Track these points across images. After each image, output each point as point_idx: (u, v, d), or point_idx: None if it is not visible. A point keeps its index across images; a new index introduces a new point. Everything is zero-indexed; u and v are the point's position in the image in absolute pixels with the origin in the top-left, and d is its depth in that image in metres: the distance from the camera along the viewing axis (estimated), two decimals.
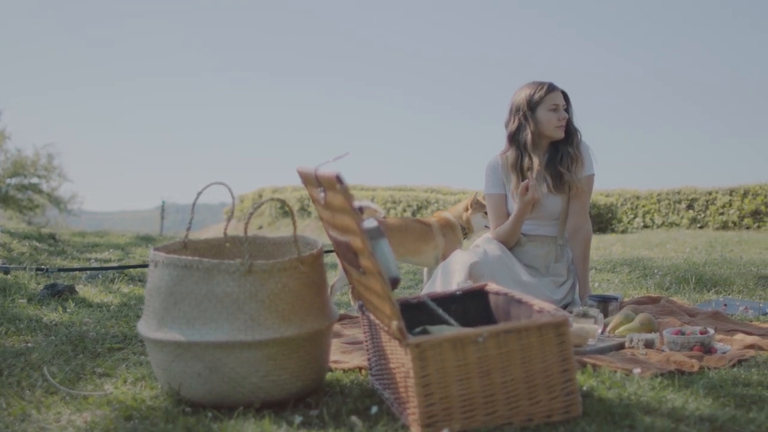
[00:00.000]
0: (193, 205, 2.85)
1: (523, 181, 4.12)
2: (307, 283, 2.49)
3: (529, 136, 4.11)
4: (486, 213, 4.80)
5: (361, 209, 2.18)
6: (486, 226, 4.85)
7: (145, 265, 5.51)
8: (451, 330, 2.48)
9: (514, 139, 4.19)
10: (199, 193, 2.79)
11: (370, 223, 2.24)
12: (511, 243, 4.17)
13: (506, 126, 4.25)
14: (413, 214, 22.98)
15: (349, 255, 2.38)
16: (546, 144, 4.18)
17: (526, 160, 4.12)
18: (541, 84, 4.15)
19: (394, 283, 2.19)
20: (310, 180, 2.39)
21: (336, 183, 2.13)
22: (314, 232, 21.87)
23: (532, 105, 4.12)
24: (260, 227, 26.87)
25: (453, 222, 4.93)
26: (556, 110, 4.09)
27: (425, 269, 5.04)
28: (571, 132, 4.18)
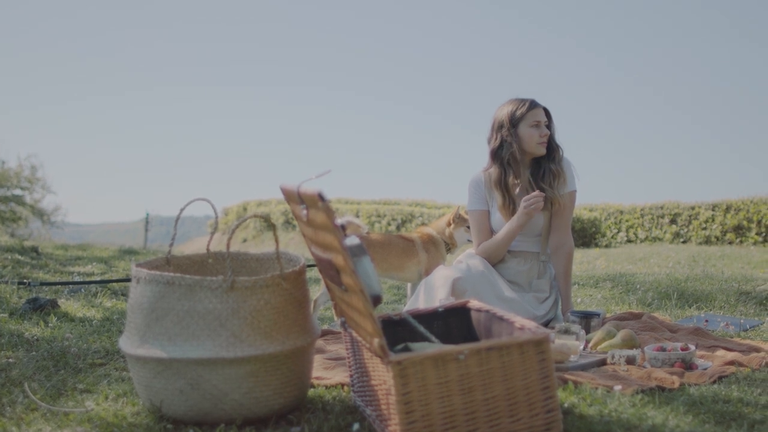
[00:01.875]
0: (176, 221, 2.85)
1: (508, 197, 4.14)
2: (289, 299, 2.49)
3: (512, 153, 4.13)
4: (468, 227, 4.83)
5: (343, 227, 2.19)
6: (469, 240, 4.85)
7: (128, 279, 5.49)
8: (433, 347, 2.48)
9: (496, 155, 4.21)
10: (182, 210, 2.79)
11: (352, 240, 2.24)
12: (497, 258, 4.18)
13: (489, 142, 4.27)
14: (398, 228, 22.98)
15: (331, 272, 2.39)
16: (528, 160, 4.21)
17: (510, 176, 4.14)
18: (522, 101, 4.18)
19: (376, 300, 2.20)
20: (293, 197, 2.40)
21: (318, 200, 2.13)
22: (299, 245, 21.84)
23: (514, 121, 4.14)
24: (245, 240, 26.81)
25: (436, 237, 4.93)
26: (537, 126, 4.12)
27: (408, 284, 5.04)
28: (553, 148, 4.20)
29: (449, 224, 4.96)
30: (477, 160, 4.51)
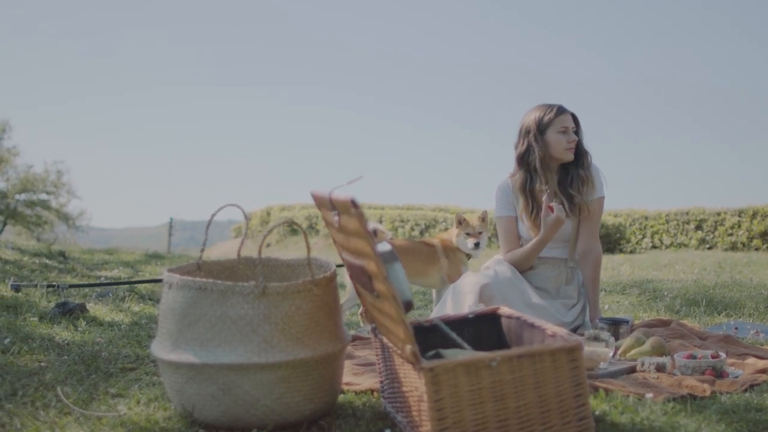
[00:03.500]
0: (207, 227, 2.87)
1: (532, 203, 4.13)
2: (320, 305, 2.50)
3: (538, 159, 4.12)
4: (468, 234, 4.83)
5: (375, 232, 2.19)
6: (476, 246, 4.82)
7: (156, 280, 5.53)
8: (465, 354, 2.48)
9: (523, 161, 4.20)
10: (213, 215, 2.81)
11: (383, 246, 2.25)
12: (525, 267, 4.17)
13: (515, 148, 4.26)
14: (421, 233, 22.97)
15: (363, 278, 2.39)
16: (555, 166, 4.19)
17: (536, 182, 4.13)
18: (550, 106, 4.16)
19: (408, 306, 2.21)
20: (324, 203, 2.41)
21: (351, 207, 2.14)
22: (322, 249, 21.87)
23: (541, 127, 4.13)
24: (268, 245, 26.88)
25: (455, 243, 4.91)
26: (565, 132, 4.10)
27: (434, 290, 5.04)
28: (580, 154, 4.18)
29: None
30: (500, 169, 4.50)
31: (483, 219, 4.89)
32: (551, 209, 3.93)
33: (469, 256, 4.94)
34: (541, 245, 4.06)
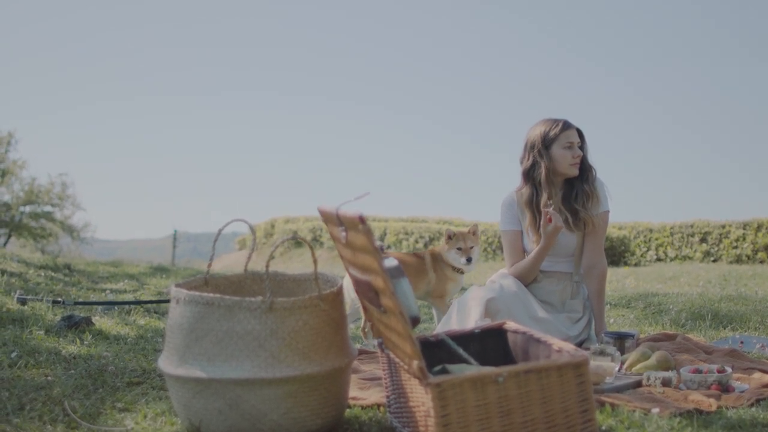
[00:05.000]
0: (215, 241, 2.88)
1: (539, 218, 4.14)
2: (327, 320, 2.51)
3: (544, 173, 4.13)
4: (459, 248, 4.76)
5: (381, 248, 2.20)
6: (468, 261, 4.74)
7: (163, 301, 5.54)
8: (471, 369, 2.49)
9: (528, 175, 4.22)
10: (221, 230, 2.83)
11: (390, 262, 2.26)
12: (530, 279, 4.18)
13: (521, 162, 4.27)
14: (425, 245, 22.97)
15: (370, 294, 2.40)
16: (560, 181, 4.21)
17: (542, 196, 4.14)
18: (556, 121, 4.17)
19: (415, 322, 2.22)
20: (332, 219, 2.42)
21: (358, 223, 2.15)
22: (326, 262, 21.88)
23: (546, 142, 4.14)
24: (272, 258, 26.90)
25: (446, 259, 4.84)
26: (570, 148, 4.11)
27: (434, 308, 4.99)
28: (585, 169, 4.20)
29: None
30: (505, 183, 4.50)
31: (474, 233, 4.84)
32: (549, 220, 3.96)
33: (460, 271, 4.88)
34: (542, 254, 4.08)
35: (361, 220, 2.13)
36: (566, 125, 4.15)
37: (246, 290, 3.00)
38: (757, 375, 3.38)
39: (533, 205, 4.18)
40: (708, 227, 20.09)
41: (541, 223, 4.04)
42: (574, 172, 4.14)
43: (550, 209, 4.01)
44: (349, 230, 2.31)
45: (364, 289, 2.47)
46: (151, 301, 5.48)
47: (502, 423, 2.18)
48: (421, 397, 2.26)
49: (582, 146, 4.18)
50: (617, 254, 19.69)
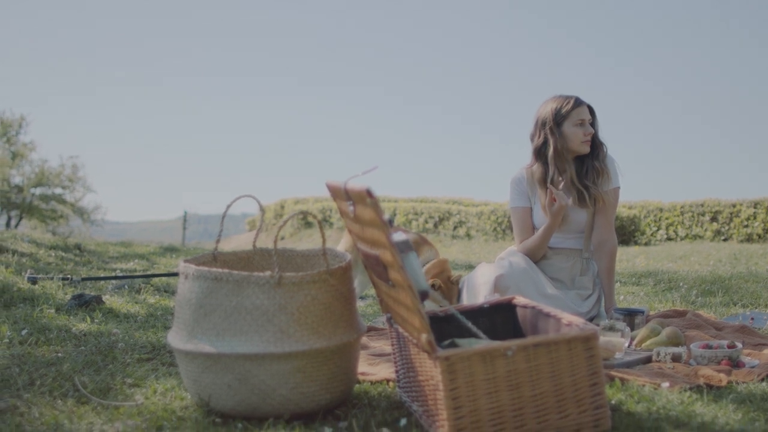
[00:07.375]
0: (222, 218, 2.87)
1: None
2: (336, 295, 2.51)
3: (555, 150, 4.11)
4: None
5: (390, 222, 2.19)
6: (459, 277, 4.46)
7: (170, 274, 5.55)
8: (480, 343, 2.48)
9: (539, 153, 4.19)
10: (229, 206, 2.82)
11: (399, 236, 2.25)
12: (538, 256, 4.17)
13: (531, 139, 4.25)
14: (435, 226, 22.97)
15: (378, 268, 2.40)
16: (571, 158, 4.18)
17: (554, 174, 4.12)
18: (567, 98, 4.14)
19: (423, 296, 2.21)
20: (339, 193, 2.41)
21: (366, 197, 2.14)
22: (336, 242, 21.89)
23: (558, 119, 4.11)
24: (282, 237, 26.94)
25: (428, 242, 4.53)
26: (582, 125, 4.09)
27: None
28: (596, 146, 4.18)
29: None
30: (512, 165, 4.46)
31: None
32: (554, 200, 3.95)
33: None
34: (549, 232, 4.08)
35: (369, 193, 2.12)
36: (577, 102, 4.12)
37: (255, 266, 2.99)
38: (767, 351, 3.37)
39: (546, 182, 4.16)
40: (719, 206, 20.00)
41: (547, 202, 4.03)
42: (586, 149, 4.12)
43: (560, 186, 4.00)
44: (357, 204, 2.30)
45: (372, 264, 2.47)
46: (158, 274, 5.49)
47: (511, 396, 2.18)
48: (430, 371, 2.25)
49: (593, 123, 4.16)
50: (627, 234, 19.64)
